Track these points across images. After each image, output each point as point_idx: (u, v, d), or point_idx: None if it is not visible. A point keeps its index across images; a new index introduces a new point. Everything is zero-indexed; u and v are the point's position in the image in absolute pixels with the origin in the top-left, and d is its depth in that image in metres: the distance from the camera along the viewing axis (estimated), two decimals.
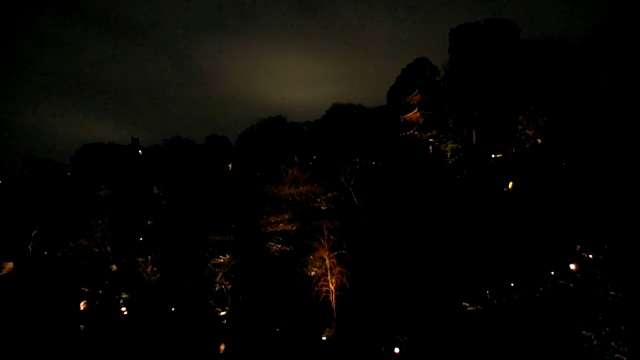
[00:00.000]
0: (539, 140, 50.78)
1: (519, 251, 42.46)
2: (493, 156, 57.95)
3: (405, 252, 48.77)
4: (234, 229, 61.26)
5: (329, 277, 48.80)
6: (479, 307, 41.98)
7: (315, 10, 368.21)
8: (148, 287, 63.68)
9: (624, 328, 30.03)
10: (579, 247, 37.60)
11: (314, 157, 71.41)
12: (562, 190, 43.44)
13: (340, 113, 71.23)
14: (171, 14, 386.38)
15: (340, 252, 50.01)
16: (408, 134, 67.11)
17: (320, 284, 49.13)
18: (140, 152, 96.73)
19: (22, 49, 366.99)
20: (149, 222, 73.00)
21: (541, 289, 38.67)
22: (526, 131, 51.63)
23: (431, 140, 63.87)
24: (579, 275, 36.07)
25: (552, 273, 38.85)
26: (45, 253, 76.34)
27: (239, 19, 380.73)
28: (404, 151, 64.70)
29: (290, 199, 59.59)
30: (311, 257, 51.56)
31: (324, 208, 58.63)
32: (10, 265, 75.37)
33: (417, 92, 67.60)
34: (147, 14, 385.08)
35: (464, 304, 42.72)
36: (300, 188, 59.31)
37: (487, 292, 42.31)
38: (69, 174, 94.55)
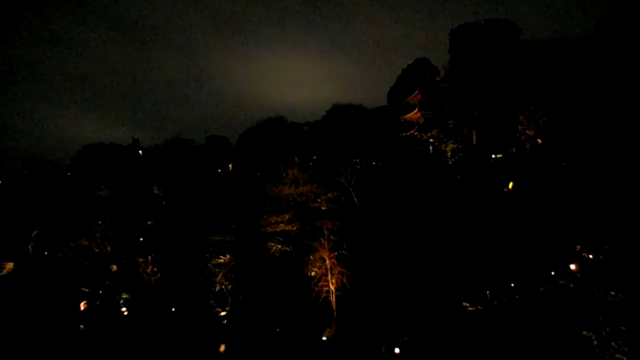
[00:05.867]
0: (539, 140, 50.84)
1: (519, 251, 42.47)
2: (493, 156, 57.97)
3: (405, 252, 48.77)
4: (234, 229, 61.17)
5: (329, 277, 48.74)
6: (479, 307, 41.94)
7: (315, 10, 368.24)
8: (148, 287, 63.59)
9: (624, 328, 30.05)
10: (579, 247, 37.66)
11: (314, 157, 71.49)
12: (562, 190, 43.44)
13: (340, 113, 71.49)
14: (172, 15, 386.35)
15: (340, 252, 49.95)
16: (408, 134, 67.25)
17: (320, 284, 49.07)
18: (140, 152, 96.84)
19: (23, 48, 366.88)
20: (149, 222, 72.92)
21: (541, 289, 38.66)
22: (526, 131, 51.71)
23: (431, 140, 63.96)
24: (579, 275, 36.10)
25: (552, 273, 38.87)
26: (45, 253, 76.16)
27: (239, 20, 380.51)
28: (404, 151, 64.77)
29: (290, 199, 59.58)
30: (311, 257, 51.51)
31: (324, 208, 58.63)
32: (10, 265, 75.21)
33: (417, 92, 67.71)
34: (148, 15, 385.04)
35: (464, 304, 42.68)
36: (300, 188, 59.30)
37: (487, 292, 42.29)
38: (69, 174, 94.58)
